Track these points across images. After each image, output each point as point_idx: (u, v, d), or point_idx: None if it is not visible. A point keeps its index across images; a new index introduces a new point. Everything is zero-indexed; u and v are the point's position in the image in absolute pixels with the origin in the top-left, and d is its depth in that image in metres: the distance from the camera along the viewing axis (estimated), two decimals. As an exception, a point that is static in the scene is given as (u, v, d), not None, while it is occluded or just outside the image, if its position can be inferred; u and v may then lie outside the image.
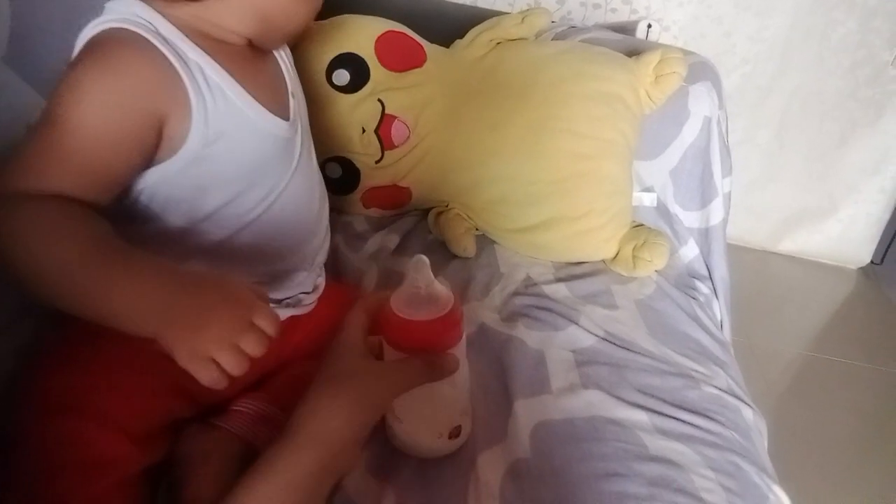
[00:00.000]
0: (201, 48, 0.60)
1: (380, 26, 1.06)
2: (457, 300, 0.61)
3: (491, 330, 0.87)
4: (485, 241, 1.10)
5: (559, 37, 1.16)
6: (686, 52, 1.08)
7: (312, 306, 0.78)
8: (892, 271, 2.06)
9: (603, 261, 1.06)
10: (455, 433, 0.68)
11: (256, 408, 0.66)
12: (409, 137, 1.06)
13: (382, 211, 1.14)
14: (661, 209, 1.13)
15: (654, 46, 1.08)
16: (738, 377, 0.88)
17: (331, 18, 1.04)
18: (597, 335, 0.87)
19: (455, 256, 1.06)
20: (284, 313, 0.73)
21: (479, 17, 1.14)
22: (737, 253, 1.21)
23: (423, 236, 1.11)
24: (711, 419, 0.76)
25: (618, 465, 0.68)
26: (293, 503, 0.50)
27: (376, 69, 1.03)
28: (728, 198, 1.12)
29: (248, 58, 0.66)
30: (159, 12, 0.59)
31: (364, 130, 1.04)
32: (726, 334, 1.09)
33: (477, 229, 1.10)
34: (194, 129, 0.59)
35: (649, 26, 1.54)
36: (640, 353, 0.85)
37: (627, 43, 1.15)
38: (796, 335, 1.81)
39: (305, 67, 0.98)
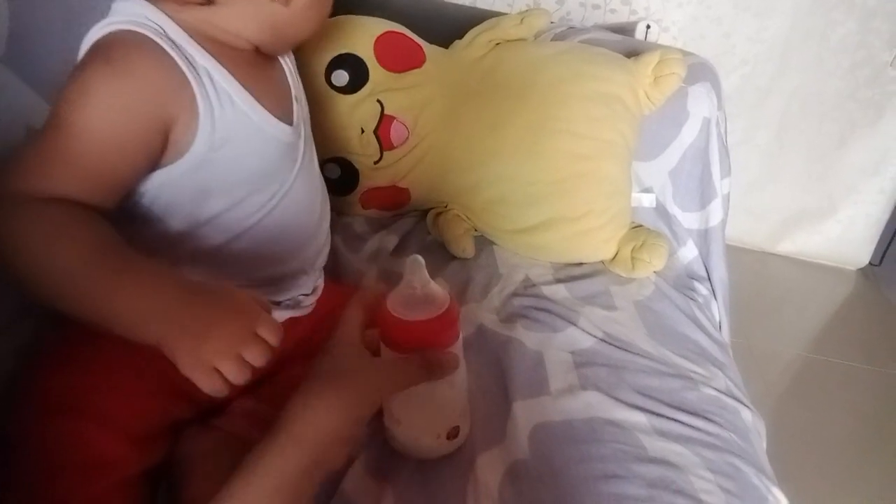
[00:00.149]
0: (209, 52, 0.60)
1: (379, 27, 1.06)
2: (453, 300, 0.61)
3: (490, 331, 0.87)
4: (484, 242, 1.10)
5: (558, 37, 1.16)
6: (685, 53, 1.08)
7: (311, 307, 0.78)
8: (891, 272, 2.06)
9: (602, 262, 1.06)
10: (453, 434, 0.68)
11: (255, 408, 0.66)
12: (408, 138, 1.06)
13: (381, 212, 1.14)
14: (660, 210, 1.13)
15: (653, 47, 1.08)
16: (736, 378, 0.88)
17: (330, 19, 1.04)
18: (596, 336, 0.87)
19: (454, 257, 1.06)
20: (283, 315, 0.73)
21: (478, 17, 1.14)
22: (736, 254, 1.21)
23: (422, 237, 1.11)
24: (710, 420, 0.76)
25: (616, 466, 0.68)
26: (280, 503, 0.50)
27: (375, 70, 1.03)
28: (727, 199, 1.12)
29: (253, 62, 0.66)
30: (167, 14, 0.58)
31: (363, 131, 1.04)
32: (725, 335, 1.09)
33: (476, 230, 1.10)
34: (201, 133, 0.59)
35: (648, 27, 1.54)
36: (638, 354, 0.85)
37: (626, 44, 1.15)
38: (795, 336, 1.81)
39: (304, 68, 0.97)
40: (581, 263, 1.06)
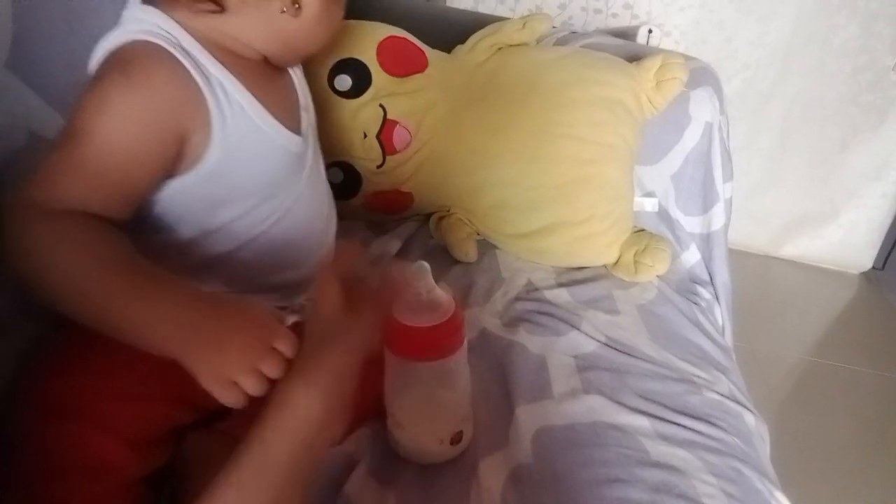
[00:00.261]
0: (220, 62, 0.60)
1: (382, 31, 1.06)
2: (458, 306, 0.61)
3: (492, 335, 0.87)
4: (486, 246, 1.10)
5: (560, 42, 1.16)
6: (687, 58, 1.08)
7: None
8: (894, 276, 2.06)
9: (604, 266, 1.06)
10: (457, 439, 0.68)
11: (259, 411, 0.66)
12: (410, 143, 1.06)
13: (384, 216, 1.14)
14: (663, 214, 1.13)
15: (656, 52, 1.08)
16: (739, 383, 0.88)
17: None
18: (598, 340, 0.87)
19: (456, 261, 1.06)
20: (289, 319, 0.73)
21: (480, 22, 1.14)
22: (738, 258, 1.21)
23: (425, 241, 1.11)
24: (713, 425, 0.76)
25: (619, 470, 0.67)
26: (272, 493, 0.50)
27: (378, 74, 1.04)
28: (729, 203, 1.12)
29: (263, 72, 0.66)
30: (179, 23, 0.58)
31: (365, 135, 1.04)
32: (728, 339, 1.09)
33: (478, 234, 1.10)
34: (214, 144, 0.59)
35: (650, 32, 1.54)
36: (641, 358, 0.85)
37: (628, 48, 1.15)
38: (798, 340, 1.81)
39: (307, 73, 0.97)
40: (583, 267, 1.06)
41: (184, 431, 0.63)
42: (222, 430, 0.64)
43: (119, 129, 0.54)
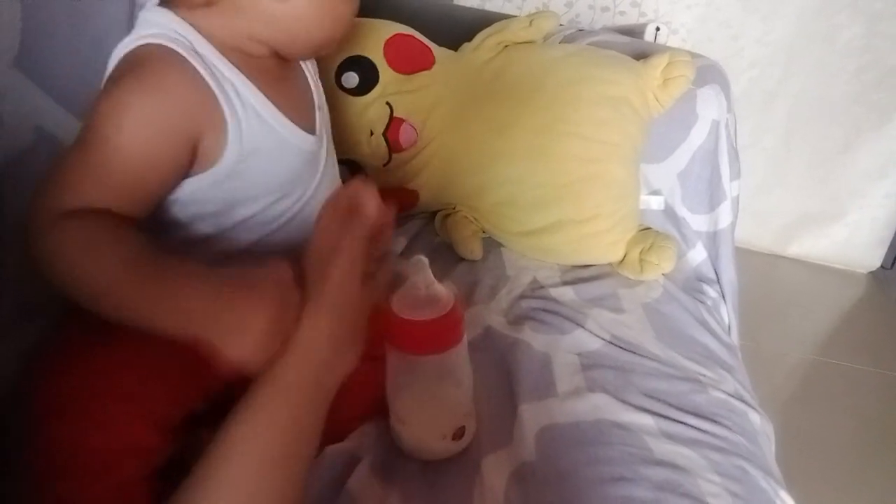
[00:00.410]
0: (234, 64, 0.61)
1: (389, 29, 1.06)
2: (458, 301, 0.62)
3: (497, 332, 0.87)
4: (492, 244, 1.10)
5: (567, 40, 1.16)
6: (694, 56, 1.08)
7: None
8: (903, 276, 2.05)
9: (610, 264, 1.06)
10: (459, 434, 0.68)
11: None
12: (416, 141, 1.06)
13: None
14: (669, 212, 1.13)
15: (662, 49, 1.07)
16: (745, 382, 0.88)
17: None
18: (603, 339, 0.87)
19: (462, 259, 1.06)
20: None
21: (487, 20, 1.14)
22: (744, 256, 1.20)
23: (431, 239, 1.11)
24: (718, 423, 0.76)
25: (624, 469, 0.67)
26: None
27: (385, 72, 1.04)
28: (736, 201, 1.12)
29: (277, 73, 0.67)
30: (193, 25, 0.59)
31: (372, 133, 1.04)
32: (734, 338, 1.08)
33: (484, 232, 1.10)
34: (229, 147, 0.60)
35: (657, 29, 1.54)
36: (646, 356, 0.85)
37: (635, 46, 1.14)
38: (804, 339, 1.80)
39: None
40: (589, 266, 1.06)
41: (189, 428, 0.63)
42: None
43: (133, 133, 0.55)
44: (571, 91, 1.02)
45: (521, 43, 1.10)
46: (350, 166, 1.05)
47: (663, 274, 1.03)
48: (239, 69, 0.61)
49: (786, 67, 1.82)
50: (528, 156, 1.02)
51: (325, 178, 0.74)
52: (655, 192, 1.13)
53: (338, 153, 1.03)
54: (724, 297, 1.10)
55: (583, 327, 0.88)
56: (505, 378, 0.80)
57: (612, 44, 1.13)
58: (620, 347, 0.86)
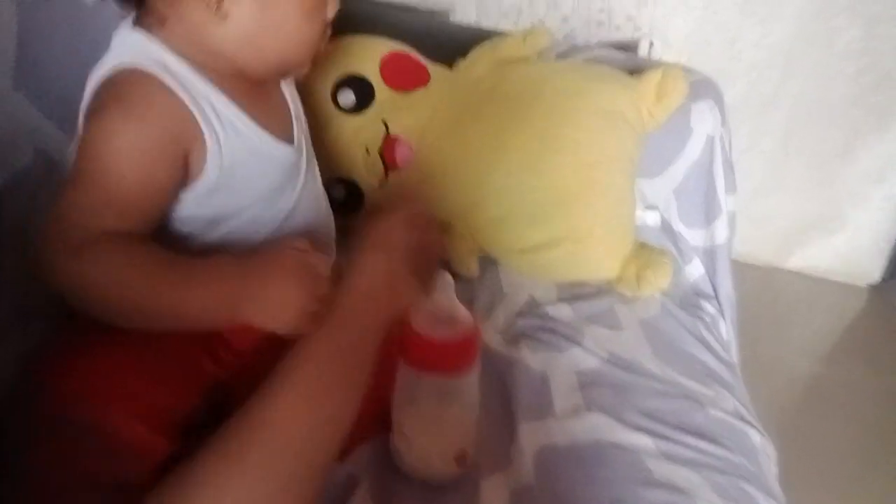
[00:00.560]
0: (208, 79, 0.62)
1: (384, 47, 1.06)
2: (477, 326, 0.62)
3: (494, 352, 0.86)
4: (488, 262, 1.09)
5: (562, 55, 1.16)
6: (688, 70, 1.08)
7: None
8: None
9: (607, 280, 1.05)
10: (461, 458, 0.67)
11: None
12: (412, 159, 1.06)
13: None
14: (665, 227, 1.13)
15: (656, 64, 1.08)
16: (745, 400, 0.87)
17: (336, 39, 1.04)
18: (601, 357, 0.86)
19: (458, 276, 1.05)
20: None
21: (481, 37, 1.14)
22: (742, 268, 1.20)
23: (427, 256, 1.10)
24: (718, 443, 0.75)
25: (622, 490, 0.67)
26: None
27: (381, 90, 1.04)
28: (733, 216, 1.12)
29: (252, 86, 0.67)
30: (163, 43, 0.60)
31: (368, 152, 1.04)
32: (733, 355, 1.08)
33: (480, 250, 1.10)
34: (210, 163, 0.62)
35: (651, 44, 1.54)
36: (644, 375, 0.84)
37: (629, 61, 1.15)
38: (804, 352, 1.79)
39: (310, 89, 0.98)
40: (586, 283, 1.05)
41: (191, 428, 0.63)
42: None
43: (125, 159, 0.57)
44: (566, 104, 1.02)
45: (515, 59, 1.11)
46: (346, 185, 1.05)
47: (660, 290, 1.03)
48: (213, 84, 0.62)
49: (784, 71, 1.82)
50: (523, 170, 1.02)
51: (306, 188, 0.74)
52: (651, 207, 1.13)
53: (334, 172, 1.04)
54: (722, 312, 1.09)
55: (580, 345, 0.88)
56: (503, 398, 0.79)
57: (607, 59, 1.14)
58: (618, 366, 0.85)
